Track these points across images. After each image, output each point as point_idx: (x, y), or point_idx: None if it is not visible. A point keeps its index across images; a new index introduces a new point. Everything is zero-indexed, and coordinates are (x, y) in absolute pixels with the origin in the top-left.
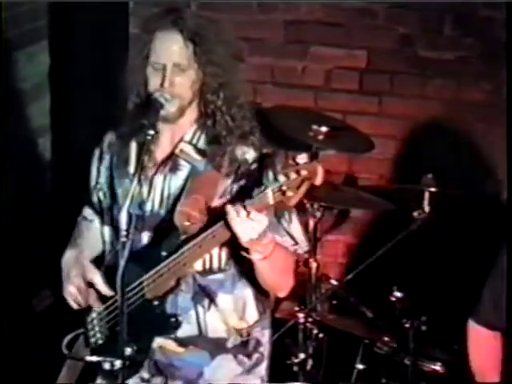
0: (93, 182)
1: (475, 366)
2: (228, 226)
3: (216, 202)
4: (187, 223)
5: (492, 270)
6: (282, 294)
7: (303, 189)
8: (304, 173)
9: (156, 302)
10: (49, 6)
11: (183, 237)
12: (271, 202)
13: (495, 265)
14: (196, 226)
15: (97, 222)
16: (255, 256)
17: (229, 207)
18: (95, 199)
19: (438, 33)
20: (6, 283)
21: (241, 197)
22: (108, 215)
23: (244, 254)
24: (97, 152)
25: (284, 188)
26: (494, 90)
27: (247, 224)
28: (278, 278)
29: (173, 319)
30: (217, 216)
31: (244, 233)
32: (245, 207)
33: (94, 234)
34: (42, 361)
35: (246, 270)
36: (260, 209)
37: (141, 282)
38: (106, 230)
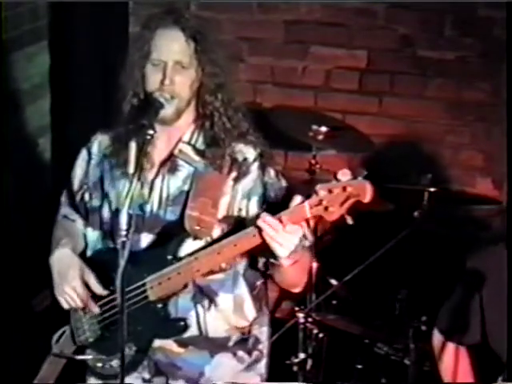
0: (77, 183)
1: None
2: (262, 239)
3: (221, 203)
4: (198, 227)
5: (458, 282)
6: (297, 290)
7: (347, 205)
8: (350, 189)
9: (160, 305)
10: (49, 5)
11: (196, 241)
12: (308, 215)
13: (462, 278)
14: (206, 230)
15: (79, 221)
16: (286, 262)
17: (263, 222)
18: (78, 199)
19: (438, 33)
20: (6, 283)
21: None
22: (95, 217)
23: (272, 260)
24: (83, 152)
25: (325, 203)
26: (494, 90)
27: (283, 238)
28: (300, 278)
29: (181, 323)
30: (239, 224)
31: (281, 248)
32: (280, 220)
33: (77, 233)
34: (41, 360)
35: (249, 268)
36: (295, 220)
37: (143, 284)
38: (89, 230)
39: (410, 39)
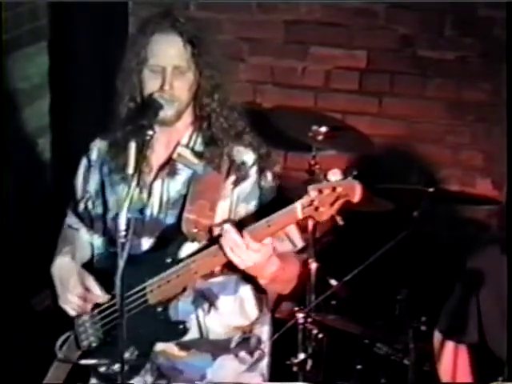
0: (79, 191)
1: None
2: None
3: (219, 206)
4: (195, 230)
5: (457, 282)
6: (285, 293)
7: (337, 205)
8: (339, 189)
9: (160, 308)
10: (49, 5)
11: (194, 244)
12: (300, 216)
13: (461, 279)
14: (204, 232)
15: (83, 230)
16: (260, 281)
17: (226, 236)
18: (82, 208)
19: (438, 33)
20: (6, 283)
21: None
22: (98, 224)
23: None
24: (84, 160)
25: (316, 203)
26: (494, 90)
27: (243, 253)
28: (285, 287)
29: (181, 326)
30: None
31: (239, 261)
32: (242, 235)
33: (81, 241)
34: (41, 360)
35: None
36: (287, 222)
37: (143, 288)
38: (95, 238)
39: (410, 39)
